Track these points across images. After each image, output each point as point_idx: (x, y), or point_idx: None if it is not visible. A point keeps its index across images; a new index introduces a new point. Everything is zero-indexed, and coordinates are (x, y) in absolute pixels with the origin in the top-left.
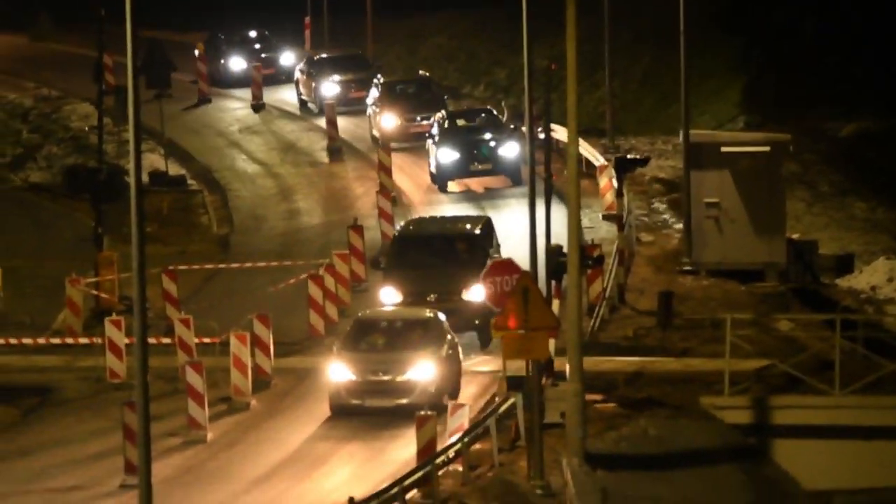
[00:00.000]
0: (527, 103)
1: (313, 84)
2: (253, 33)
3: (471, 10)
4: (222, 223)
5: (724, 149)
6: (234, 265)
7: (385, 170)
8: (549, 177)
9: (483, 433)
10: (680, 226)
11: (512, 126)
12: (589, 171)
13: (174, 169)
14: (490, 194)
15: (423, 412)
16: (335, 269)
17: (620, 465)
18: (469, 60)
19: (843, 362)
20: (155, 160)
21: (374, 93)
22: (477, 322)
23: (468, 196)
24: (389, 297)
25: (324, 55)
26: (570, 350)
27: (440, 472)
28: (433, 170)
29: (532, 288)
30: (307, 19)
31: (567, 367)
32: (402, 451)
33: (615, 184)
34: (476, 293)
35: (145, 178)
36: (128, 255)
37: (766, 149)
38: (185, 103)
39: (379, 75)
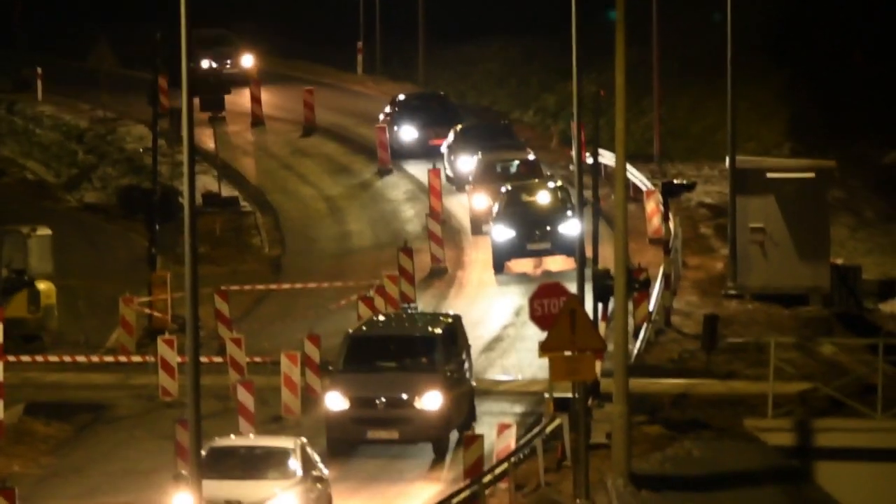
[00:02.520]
0: (576, 129)
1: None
2: (408, 97)
3: (522, 37)
4: (274, 244)
5: (769, 175)
6: (286, 286)
7: (435, 193)
8: (596, 201)
9: (530, 453)
10: (725, 250)
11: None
12: (636, 196)
13: (227, 190)
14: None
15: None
16: (385, 290)
17: (665, 485)
18: (519, 86)
19: (885, 386)
20: (208, 182)
21: (472, 167)
22: (432, 432)
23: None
24: (334, 402)
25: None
26: (616, 372)
27: (487, 491)
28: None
29: (579, 310)
30: (360, 44)
31: (613, 389)
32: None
33: (662, 209)
34: (431, 401)
35: (198, 199)
36: (181, 275)
37: (811, 175)
38: (238, 126)
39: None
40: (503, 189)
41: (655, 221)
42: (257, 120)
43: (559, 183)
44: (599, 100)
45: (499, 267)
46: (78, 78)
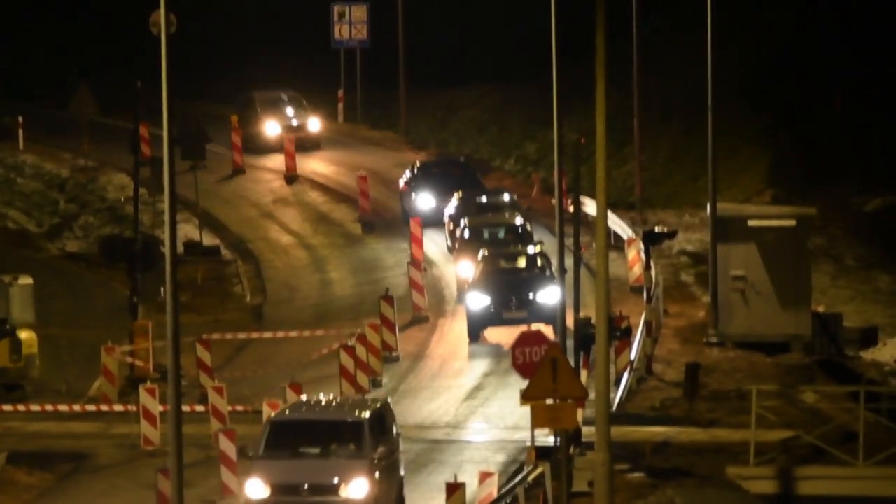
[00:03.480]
0: (556, 176)
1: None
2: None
3: (503, 84)
4: (255, 293)
5: (750, 222)
6: (267, 334)
7: (416, 241)
8: (577, 249)
9: (512, 502)
10: (707, 298)
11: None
12: (618, 243)
13: (208, 239)
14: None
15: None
16: (367, 339)
17: None
18: (500, 133)
19: (867, 434)
20: (189, 230)
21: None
22: None
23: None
24: (254, 490)
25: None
26: (597, 420)
27: None
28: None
29: (561, 358)
30: (340, 92)
31: (595, 437)
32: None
33: (643, 256)
34: (358, 488)
35: (180, 248)
36: (162, 323)
37: (792, 223)
38: (219, 174)
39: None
40: (480, 254)
41: (637, 269)
42: (238, 168)
43: (539, 248)
44: (580, 147)
45: (474, 336)
46: (59, 126)
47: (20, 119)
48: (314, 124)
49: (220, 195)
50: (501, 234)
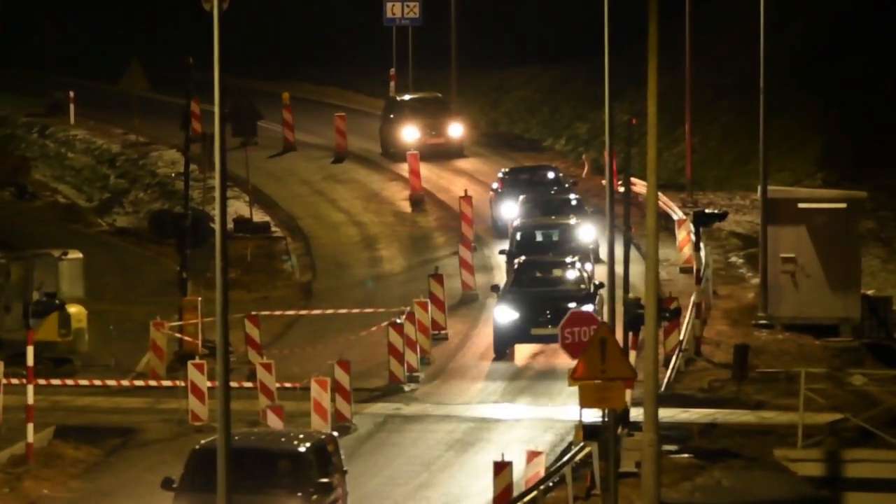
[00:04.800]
0: (607, 157)
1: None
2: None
3: (555, 64)
4: (305, 270)
5: (800, 205)
6: (316, 312)
7: (466, 220)
8: (627, 229)
9: (559, 481)
10: (756, 280)
11: (597, 284)
12: (668, 224)
13: (258, 216)
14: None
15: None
16: (415, 317)
17: None
18: (551, 114)
19: None
20: (240, 207)
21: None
22: None
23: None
24: None
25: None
26: (645, 401)
27: None
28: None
29: (610, 339)
30: (392, 71)
31: (643, 418)
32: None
33: (693, 237)
34: None
35: (230, 224)
36: (211, 299)
37: (843, 205)
38: (270, 151)
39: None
40: (515, 262)
41: (686, 251)
42: (289, 145)
43: (577, 258)
44: (631, 128)
45: (500, 352)
46: (110, 101)
47: (71, 94)
48: (456, 130)
49: (270, 172)
50: (555, 237)
